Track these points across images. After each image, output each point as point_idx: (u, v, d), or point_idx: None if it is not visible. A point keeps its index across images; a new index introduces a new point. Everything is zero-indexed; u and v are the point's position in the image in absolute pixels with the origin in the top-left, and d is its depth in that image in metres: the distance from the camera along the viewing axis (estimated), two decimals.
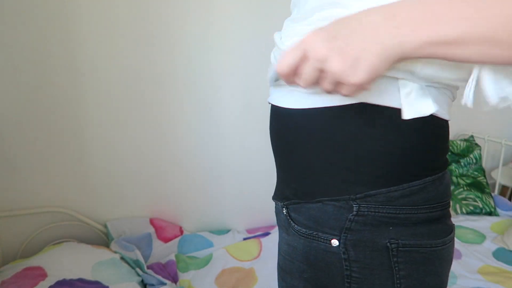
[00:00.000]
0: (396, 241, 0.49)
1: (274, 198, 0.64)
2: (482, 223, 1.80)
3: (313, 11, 0.49)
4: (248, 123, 1.68)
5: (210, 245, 1.62)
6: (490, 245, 1.63)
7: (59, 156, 1.45)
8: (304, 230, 0.55)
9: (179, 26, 1.49)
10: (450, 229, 0.53)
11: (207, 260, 1.52)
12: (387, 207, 0.49)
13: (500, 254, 1.57)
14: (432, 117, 0.48)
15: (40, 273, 1.20)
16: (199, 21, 1.51)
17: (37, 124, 1.40)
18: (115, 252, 1.40)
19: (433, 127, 0.50)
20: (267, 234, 1.70)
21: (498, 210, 1.91)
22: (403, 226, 0.49)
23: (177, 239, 1.60)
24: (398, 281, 0.50)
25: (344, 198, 0.51)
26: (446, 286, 0.55)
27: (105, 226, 1.55)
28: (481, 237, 1.69)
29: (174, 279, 1.40)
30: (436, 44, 0.38)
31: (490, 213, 1.88)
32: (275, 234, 1.67)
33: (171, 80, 1.53)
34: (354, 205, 0.50)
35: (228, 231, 1.72)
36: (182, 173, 1.64)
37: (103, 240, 1.56)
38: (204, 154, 1.66)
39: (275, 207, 0.65)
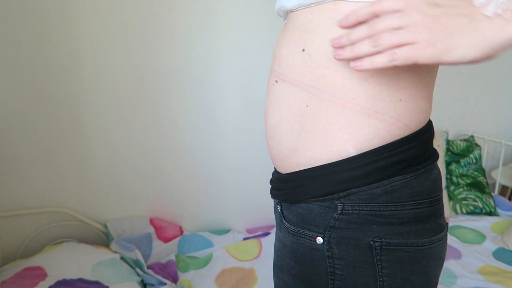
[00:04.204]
0: (380, 240, 0.50)
1: (271, 196, 0.65)
2: (482, 223, 1.80)
3: None
4: (249, 123, 1.68)
5: (210, 245, 1.62)
6: (490, 245, 1.63)
7: (59, 156, 1.45)
8: (292, 227, 0.57)
9: (180, 25, 1.49)
10: (440, 228, 0.53)
11: (207, 260, 1.52)
12: (371, 204, 0.50)
13: (500, 254, 1.57)
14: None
15: (40, 273, 1.20)
16: (200, 21, 1.51)
17: (37, 124, 1.40)
18: (115, 252, 1.40)
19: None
20: (267, 234, 1.70)
21: (498, 210, 1.92)
22: (388, 225, 0.50)
23: (177, 239, 1.60)
24: (381, 279, 0.51)
25: (329, 198, 0.51)
26: (435, 285, 0.55)
27: (105, 226, 1.55)
28: (481, 237, 1.69)
29: (174, 279, 1.40)
30: None
31: (490, 213, 1.88)
32: (274, 234, 1.67)
33: (171, 80, 1.53)
34: (338, 204, 0.51)
35: (228, 231, 1.72)
36: (182, 173, 1.64)
37: (103, 240, 1.56)
38: (204, 154, 1.66)
39: (274, 205, 0.66)
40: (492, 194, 2.00)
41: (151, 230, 1.59)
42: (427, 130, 0.54)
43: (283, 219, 0.59)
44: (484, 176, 1.99)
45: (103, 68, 1.43)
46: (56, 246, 1.37)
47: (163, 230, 1.61)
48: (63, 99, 1.41)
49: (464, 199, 1.91)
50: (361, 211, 0.50)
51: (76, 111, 1.43)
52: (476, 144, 2.02)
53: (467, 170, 1.99)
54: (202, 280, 1.41)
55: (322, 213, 0.52)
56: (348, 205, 0.50)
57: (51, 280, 1.18)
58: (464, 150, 2.01)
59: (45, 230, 1.49)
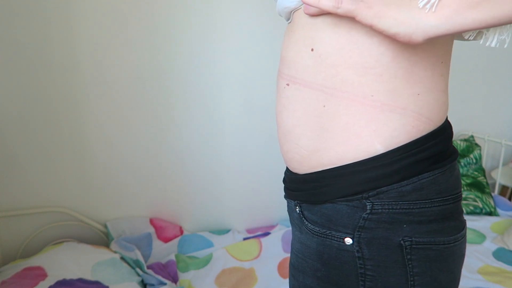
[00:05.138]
0: (410, 239, 0.49)
1: (286, 197, 0.64)
2: (482, 223, 1.80)
3: None
4: (249, 123, 1.68)
5: (210, 245, 1.62)
6: (490, 245, 1.63)
7: (59, 156, 1.45)
8: (317, 228, 0.55)
9: (181, 25, 1.48)
10: (462, 225, 0.54)
11: (207, 260, 1.52)
12: (400, 202, 0.49)
13: (500, 254, 1.57)
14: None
15: (40, 273, 1.20)
16: (201, 21, 1.51)
17: (37, 124, 1.40)
18: (115, 252, 1.40)
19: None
20: (267, 234, 1.70)
21: (498, 210, 1.91)
22: (417, 224, 0.50)
23: (177, 239, 1.60)
24: (411, 278, 0.50)
25: (357, 198, 0.50)
26: (458, 282, 0.55)
27: (105, 226, 1.55)
28: (481, 237, 1.69)
29: (174, 279, 1.40)
30: None
31: (490, 213, 1.88)
32: (275, 234, 1.67)
33: (172, 80, 1.53)
34: (367, 204, 0.50)
35: (228, 231, 1.72)
36: (183, 173, 1.64)
37: (103, 240, 1.56)
38: (205, 154, 1.66)
39: (288, 205, 0.65)
40: (492, 194, 2.00)
41: (151, 230, 1.59)
42: (448, 126, 0.54)
43: (304, 221, 0.58)
44: (484, 176, 1.99)
45: (102, 68, 1.43)
46: (56, 246, 1.37)
47: (163, 230, 1.61)
48: (63, 99, 1.41)
49: (464, 199, 1.91)
50: (390, 210, 0.49)
51: (75, 111, 1.43)
52: (476, 144, 2.02)
53: (467, 170, 1.99)
54: (202, 280, 1.41)
55: (350, 213, 0.51)
56: (377, 204, 0.50)
57: (51, 280, 1.18)
58: (464, 150, 2.01)
59: (45, 230, 1.48)
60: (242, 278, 1.43)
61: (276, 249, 1.59)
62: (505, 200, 1.99)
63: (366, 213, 0.50)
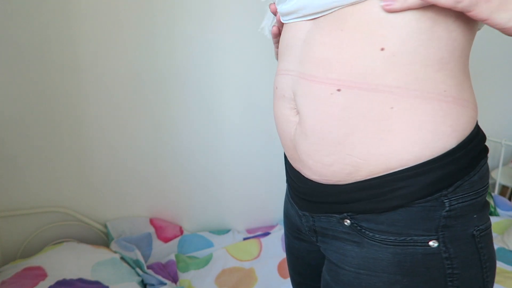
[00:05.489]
0: (478, 228, 0.50)
1: (314, 211, 0.59)
2: None
3: None
4: (249, 123, 1.68)
5: (210, 245, 1.62)
6: None
7: (59, 156, 1.45)
8: (392, 238, 0.51)
9: (180, 25, 1.49)
10: None
11: (207, 260, 1.52)
12: (470, 193, 0.49)
13: (500, 254, 1.57)
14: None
15: (40, 273, 1.20)
16: (200, 21, 1.51)
17: (37, 124, 1.40)
18: (115, 252, 1.40)
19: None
20: (267, 234, 1.70)
21: (498, 210, 1.91)
22: (480, 212, 0.51)
23: (177, 239, 1.60)
24: (484, 266, 0.51)
25: (435, 197, 0.49)
26: None
27: (105, 226, 1.55)
28: None
29: (174, 279, 1.40)
30: None
31: (490, 213, 1.88)
32: (275, 234, 1.67)
33: (172, 80, 1.53)
34: (445, 201, 0.49)
35: (228, 231, 1.72)
36: (183, 173, 1.64)
37: (103, 240, 1.56)
38: (205, 154, 1.66)
39: (328, 220, 0.59)
40: (492, 194, 2.00)
41: (151, 230, 1.59)
42: None
43: (366, 232, 0.53)
44: None
45: (102, 69, 1.43)
46: (56, 246, 1.37)
47: (163, 230, 1.61)
48: (63, 99, 1.41)
49: None
50: (464, 203, 0.49)
51: (75, 111, 1.43)
52: None
53: None
54: (202, 280, 1.42)
55: (428, 214, 0.49)
56: (453, 199, 0.49)
57: (51, 280, 1.18)
58: None
59: (45, 230, 1.48)
60: (242, 278, 1.43)
61: (276, 249, 1.60)
62: (505, 200, 1.98)
63: (445, 211, 0.49)
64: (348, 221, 0.54)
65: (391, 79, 0.47)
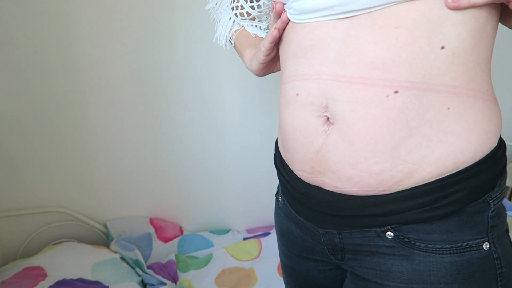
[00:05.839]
0: (506, 222, 0.52)
1: (351, 226, 0.54)
2: None
3: None
4: (249, 123, 1.68)
5: (210, 245, 1.62)
6: None
7: (59, 156, 1.45)
8: (447, 246, 0.49)
9: (179, 26, 1.48)
10: None
11: (207, 260, 1.52)
12: (501, 192, 0.51)
13: None
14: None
15: (40, 273, 1.20)
16: (199, 21, 1.51)
17: (37, 124, 1.40)
18: (115, 252, 1.40)
19: None
20: (267, 234, 1.70)
21: None
22: (503, 208, 0.52)
23: (177, 239, 1.60)
24: None
25: (484, 198, 0.49)
26: None
27: (105, 226, 1.55)
28: None
29: (174, 279, 1.40)
30: None
31: None
32: (275, 234, 1.67)
33: (171, 80, 1.53)
34: (490, 201, 0.49)
35: (228, 231, 1.72)
36: (182, 173, 1.64)
37: (103, 240, 1.56)
38: (204, 154, 1.66)
39: (331, 237, 0.57)
40: None
41: (151, 230, 1.59)
42: None
43: (417, 244, 0.50)
44: None
45: (101, 69, 1.43)
46: (56, 246, 1.37)
47: (163, 230, 1.61)
48: (63, 99, 1.41)
49: None
50: (500, 201, 0.51)
51: (75, 111, 1.43)
52: None
53: None
54: (202, 280, 1.41)
55: (478, 216, 0.49)
56: (496, 199, 0.50)
57: (51, 280, 1.18)
58: None
59: (45, 230, 1.48)
60: (242, 278, 1.43)
61: (276, 249, 1.58)
62: (505, 200, 1.98)
63: (491, 211, 0.49)
64: (391, 233, 0.51)
65: (449, 78, 0.46)
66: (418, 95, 0.46)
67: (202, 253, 1.58)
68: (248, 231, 1.76)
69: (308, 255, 0.66)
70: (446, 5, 0.43)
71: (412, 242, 0.50)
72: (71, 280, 1.20)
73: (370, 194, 0.51)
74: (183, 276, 1.43)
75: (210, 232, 1.69)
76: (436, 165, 0.47)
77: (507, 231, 0.53)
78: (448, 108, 0.46)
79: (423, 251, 0.50)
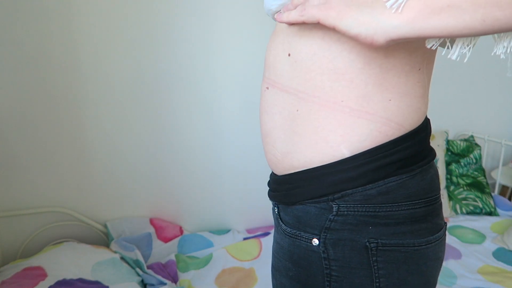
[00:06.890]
0: (376, 241, 0.50)
1: (268, 197, 0.65)
2: (482, 223, 1.80)
3: None
4: (249, 123, 1.68)
5: (210, 245, 1.62)
6: (490, 245, 1.63)
7: (59, 156, 1.45)
8: (289, 229, 0.57)
9: (180, 26, 1.49)
10: (437, 228, 0.53)
11: (207, 260, 1.52)
12: (366, 205, 0.50)
13: (500, 254, 1.57)
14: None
15: (40, 273, 1.20)
16: (201, 21, 1.51)
17: (37, 124, 1.40)
18: (115, 252, 1.40)
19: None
20: (267, 234, 1.70)
21: (498, 210, 1.91)
22: (384, 226, 0.50)
23: (177, 239, 1.60)
24: (377, 280, 0.51)
25: (324, 200, 0.52)
26: (433, 285, 0.55)
27: (105, 226, 1.55)
28: (481, 237, 1.69)
29: (174, 279, 1.40)
30: None
31: (490, 213, 1.88)
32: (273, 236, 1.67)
33: (171, 80, 1.53)
34: (333, 206, 0.51)
35: (228, 231, 1.72)
36: (182, 173, 1.64)
37: (103, 240, 1.56)
38: (204, 154, 1.66)
39: (272, 206, 0.67)
40: (492, 194, 2.00)
41: (151, 230, 1.59)
42: (423, 129, 0.53)
43: (280, 221, 0.60)
44: (484, 176, 1.99)
45: (103, 68, 1.43)
46: (56, 246, 1.37)
47: (163, 230, 1.61)
48: (63, 98, 1.41)
49: (464, 199, 1.91)
50: (356, 212, 0.50)
51: (76, 111, 1.43)
52: (476, 144, 2.02)
53: (467, 170, 1.99)
54: (202, 280, 1.41)
55: (318, 214, 0.52)
56: (343, 206, 0.50)
57: (51, 280, 1.18)
58: (464, 150, 2.01)
59: (45, 230, 1.48)
60: (242, 278, 1.43)
61: None
62: (505, 200, 1.99)
63: (332, 215, 0.51)
64: (276, 209, 0.62)
65: (295, 83, 0.52)
66: (278, 94, 0.55)
67: (202, 253, 1.58)
68: (248, 231, 1.76)
69: None
70: (275, 19, 0.52)
71: (279, 220, 0.60)
72: (71, 280, 1.20)
73: (273, 173, 0.62)
74: (183, 276, 1.43)
75: (210, 232, 1.69)
76: (288, 160, 0.56)
77: (380, 249, 0.50)
78: (297, 110, 0.53)
79: (281, 229, 0.59)
